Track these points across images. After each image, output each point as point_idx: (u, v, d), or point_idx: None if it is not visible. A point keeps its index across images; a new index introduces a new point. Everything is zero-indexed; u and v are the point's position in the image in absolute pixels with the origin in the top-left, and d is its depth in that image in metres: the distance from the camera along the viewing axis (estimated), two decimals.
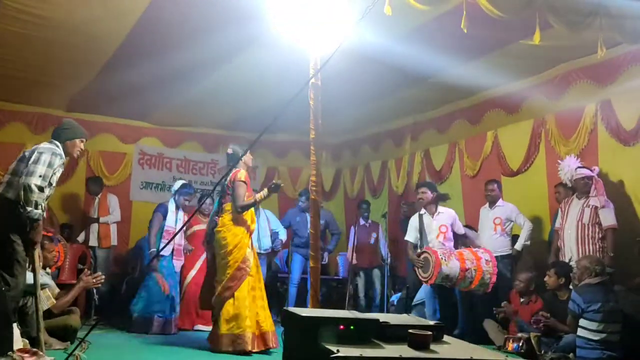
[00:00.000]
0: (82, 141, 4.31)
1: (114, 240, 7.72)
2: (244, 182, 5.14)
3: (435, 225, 6.08)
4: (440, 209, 6.19)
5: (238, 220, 5.15)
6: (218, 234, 5.17)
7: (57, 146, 4.10)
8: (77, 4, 4.93)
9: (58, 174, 4.05)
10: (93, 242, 7.55)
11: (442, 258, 5.65)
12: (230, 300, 5.00)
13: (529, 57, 5.76)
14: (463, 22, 4.19)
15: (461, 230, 6.19)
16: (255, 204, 5.24)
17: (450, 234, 6.06)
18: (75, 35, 5.51)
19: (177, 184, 6.61)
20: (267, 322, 5.15)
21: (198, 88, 7.07)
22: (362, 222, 8.05)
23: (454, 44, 5.35)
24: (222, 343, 4.95)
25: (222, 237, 5.12)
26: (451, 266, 5.63)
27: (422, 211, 6.19)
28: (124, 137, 8.91)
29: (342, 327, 2.29)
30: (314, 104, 4.73)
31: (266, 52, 5.71)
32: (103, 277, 4.99)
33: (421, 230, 6.13)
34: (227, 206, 5.21)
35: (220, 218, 5.21)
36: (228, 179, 5.17)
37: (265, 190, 5.21)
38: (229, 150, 5.39)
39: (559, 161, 5.87)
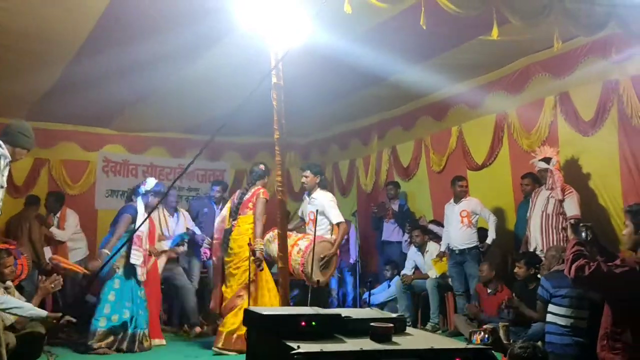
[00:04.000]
0: (28, 151, 4.10)
1: (74, 258, 7.34)
2: (267, 200, 5.63)
3: (307, 211, 5.82)
4: (315, 194, 5.78)
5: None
6: (234, 242, 5.52)
7: (1, 146, 3.86)
8: (30, 9, 4.81)
9: (5, 174, 3.85)
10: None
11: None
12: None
13: (488, 52, 5.84)
14: (422, 19, 4.22)
15: (333, 219, 5.63)
16: (256, 234, 5.46)
17: (319, 222, 5.60)
18: (31, 41, 5.37)
19: (151, 182, 6.02)
20: None
21: (162, 91, 6.98)
22: None
23: (413, 42, 5.39)
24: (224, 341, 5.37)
25: (238, 245, 5.47)
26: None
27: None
28: (86, 145, 8.74)
29: (303, 323, 2.29)
30: (277, 105, 4.73)
31: (229, 54, 5.67)
32: (60, 279, 4.77)
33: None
34: (248, 219, 5.56)
35: (237, 227, 5.58)
36: (251, 192, 5.66)
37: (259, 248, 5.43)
38: (261, 167, 5.87)
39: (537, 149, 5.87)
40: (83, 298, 6.70)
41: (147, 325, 5.74)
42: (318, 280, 5.24)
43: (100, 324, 5.52)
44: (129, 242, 5.53)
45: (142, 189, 5.99)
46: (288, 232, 5.77)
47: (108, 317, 5.55)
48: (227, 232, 5.64)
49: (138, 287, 5.75)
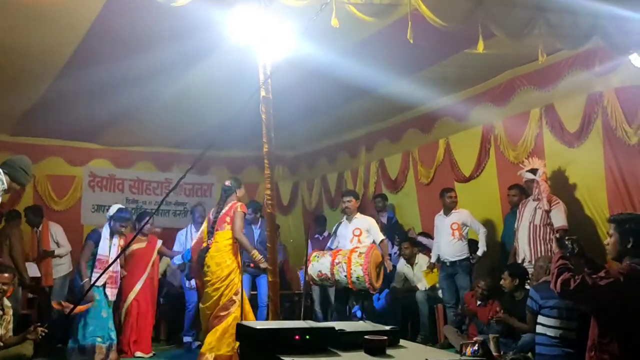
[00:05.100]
0: (23, 186, 4.24)
1: (59, 273, 7.31)
2: (245, 213, 5.52)
3: (350, 229, 6.22)
4: (357, 216, 6.31)
5: (233, 249, 5.40)
6: (212, 259, 5.32)
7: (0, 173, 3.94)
8: (16, 26, 4.78)
9: None
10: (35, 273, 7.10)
11: (316, 256, 5.87)
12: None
13: (474, 65, 5.91)
14: (409, 33, 4.26)
15: (377, 238, 6.22)
16: (247, 249, 5.43)
17: (364, 239, 6.12)
18: (16, 57, 5.35)
19: (113, 209, 6.09)
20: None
21: (149, 106, 6.95)
22: (317, 235, 8.09)
23: (400, 55, 5.43)
24: None
25: (216, 262, 5.30)
26: (322, 262, 5.77)
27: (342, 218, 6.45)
28: (72, 160, 8.66)
29: (297, 337, 2.28)
30: (266, 118, 4.72)
31: (217, 68, 5.67)
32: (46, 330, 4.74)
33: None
34: (226, 234, 5.41)
35: (214, 243, 5.41)
36: (227, 207, 5.49)
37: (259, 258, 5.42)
38: (227, 183, 5.73)
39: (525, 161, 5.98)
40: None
41: (115, 337, 5.94)
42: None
43: (98, 339, 5.75)
44: (92, 266, 5.81)
45: (107, 214, 6.15)
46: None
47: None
48: (204, 251, 5.43)
49: (104, 305, 5.88)
